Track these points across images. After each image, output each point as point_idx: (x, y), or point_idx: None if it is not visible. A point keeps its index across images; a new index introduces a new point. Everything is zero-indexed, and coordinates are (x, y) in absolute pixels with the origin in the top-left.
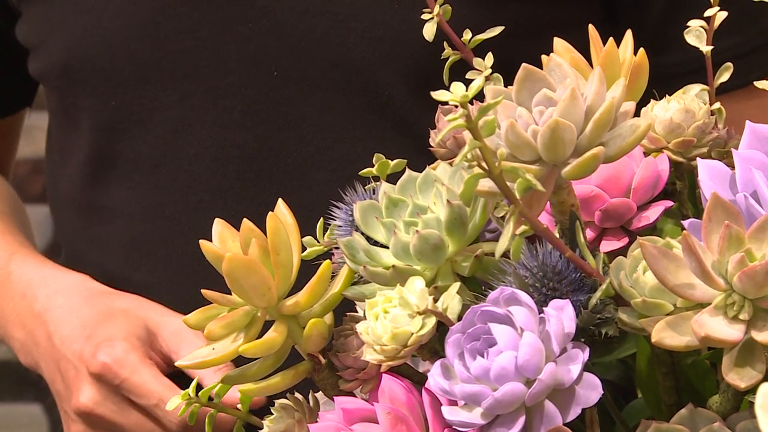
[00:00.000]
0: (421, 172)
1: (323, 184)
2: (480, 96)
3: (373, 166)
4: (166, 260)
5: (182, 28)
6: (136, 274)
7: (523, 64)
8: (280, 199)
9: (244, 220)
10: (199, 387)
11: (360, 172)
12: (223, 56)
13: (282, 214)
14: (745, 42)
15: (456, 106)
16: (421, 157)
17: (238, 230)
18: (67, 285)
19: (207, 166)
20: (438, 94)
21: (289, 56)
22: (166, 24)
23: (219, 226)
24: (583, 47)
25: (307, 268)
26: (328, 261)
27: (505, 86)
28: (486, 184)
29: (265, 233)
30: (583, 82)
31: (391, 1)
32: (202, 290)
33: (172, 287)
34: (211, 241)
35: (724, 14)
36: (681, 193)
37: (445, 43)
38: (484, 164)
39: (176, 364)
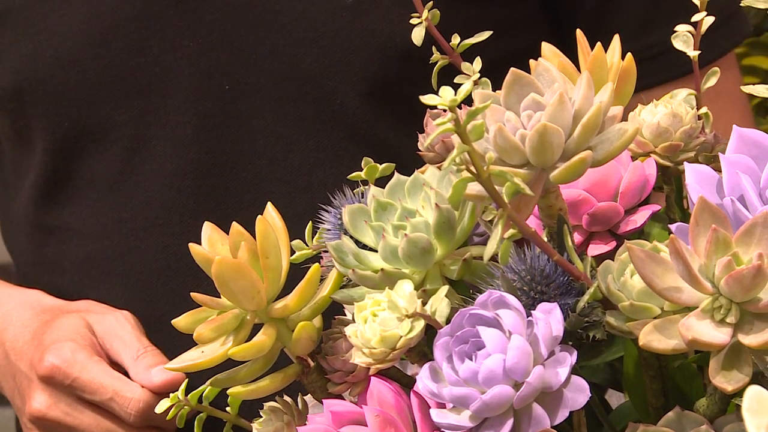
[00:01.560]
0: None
1: (279, 196)
2: (467, 100)
3: (327, 174)
4: (124, 277)
5: (132, 45)
6: (93, 293)
7: (512, 69)
8: (269, 203)
9: (233, 223)
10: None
11: (348, 176)
12: (175, 72)
13: (271, 217)
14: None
15: (444, 111)
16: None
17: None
18: (20, 302)
19: (163, 182)
20: (426, 98)
21: (239, 69)
22: (116, 42)
23: (208, 229)
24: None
25: (295, 272)
26: (317, 264)
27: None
28: (474, 187)
29: None
30: (571, 86)
31: (339, 10)
32: (192, 293)
33: (131, 303)
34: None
35: (711, 19)
36: (668, 197)
37: (433, 48)
38: (472, 168)
39: (165, 367)
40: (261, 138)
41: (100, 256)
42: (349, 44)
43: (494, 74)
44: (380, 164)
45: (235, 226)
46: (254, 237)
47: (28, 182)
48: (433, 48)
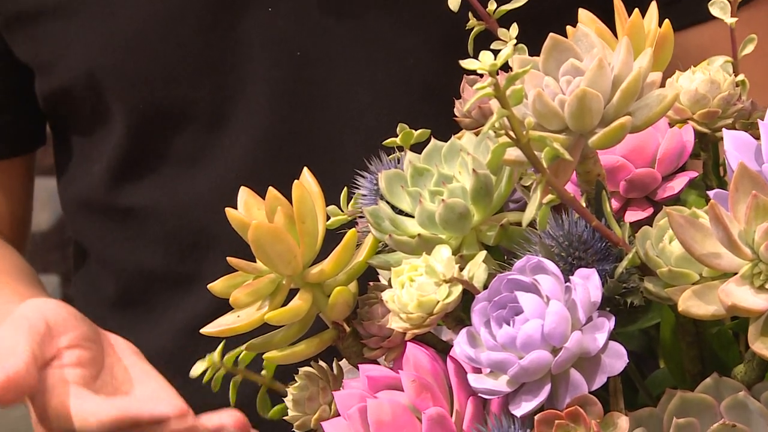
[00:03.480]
0: (448, 139)
1: (355, 159)
2: (504, 67)
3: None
4: (207, 251)
5: (200, 22)
6: (181, 267)
7: (551, 34)
8: (305, 168)
9: (270, 188)
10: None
11: (383, 142)
12: (245, 44)
13: (307, 182)
14: None
15: (481, 76)
16: (450, 126)
17: None
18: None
19: (239, 153)
20: (466, 63)
21: (308, 35)
22: (184, 21)
23: (244, 194)
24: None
25: (330, 238)
26: (353, 230)
27: None
28: (513, 153)
29: None
30: (609, 52)
31: None
32: (228, 257)
33: (215, 276)
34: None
35: None
36: (705, 164)
37: (470, 14)
38: (511, 133)
39: (202, 331)
40: (334, 103)
41: (181, 232)
42: (417, 2)
43: (529, 31)
44: (454, 123)
45: (271, 191)
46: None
47: (99, 167)
48: (470, 14)
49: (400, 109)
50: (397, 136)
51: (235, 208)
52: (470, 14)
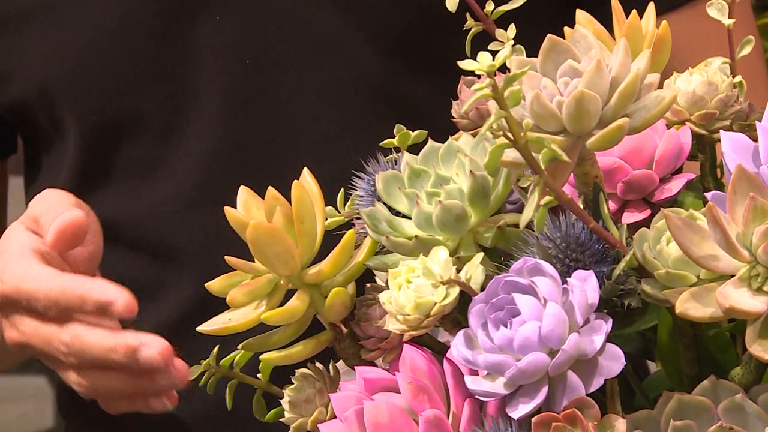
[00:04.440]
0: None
1: (311, 164)
2: (501, 68)
3: (355, 139)
4: (168, 260)
5: (151, 31)
6: (144, 276)
7: (548, 35)
8: (305, 168)
9: (269, 187)
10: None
11: (381, 143)
12: (196, 52)
13: (307, 183)
14: None
15: (479, 77)
16: (408, 125)
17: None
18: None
19: (194, 163)
20: (465, 64)
21: (257, 42)
22: (135, 28)
23: (244, 193)
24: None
25: (328, 239)
26: (351, 231)
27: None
28: (511, 154)
29: None
30: (607, 53)
31: None
32: (226, 257)
33: (179, 285)
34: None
35: None
36: (702, 165)
37: (468, 14)
38: (509, 134)
39: (198, 329)
40: (285, 109)
41: (142, 243)
42: (364, 4)
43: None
44: (406, 125)
45: (271, 191)
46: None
47: (61, 179)
48: (468, 15)
49: (352, 113)
50: (351, 139)
51: (194, 217)
52: (468, 15)
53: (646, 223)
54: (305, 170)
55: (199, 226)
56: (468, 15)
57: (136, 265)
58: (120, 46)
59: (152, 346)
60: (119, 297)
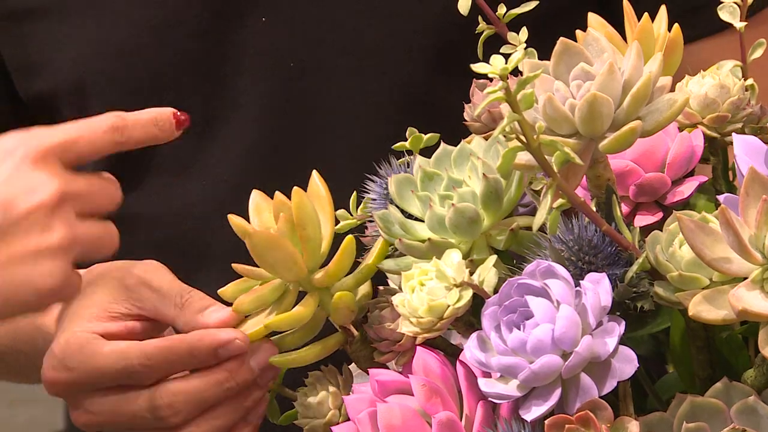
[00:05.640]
0: (452, 146)
1: (347, 170)
2: (513, 71)
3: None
4: (199, 260)
5: (195, 29)
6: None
7: (561, 38)
8: (314, 172)
9: (276, 192)
10: None
11: (393, 146)
12: (238, 53)
13: (316, 186)
14: None
15: (491, 80)
16: (443, 135)
17: None
18: None
19: (231, 163)
20: (478, 67)
21: (301, 46)
22: (179, 27)
23: (256, 197)
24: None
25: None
26: (351, 236)
27: None
28: (524, 157)
29: None
30: (620, 56)
31: None
32: (233, 264)
33: (207, 285)
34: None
35: None
36: (714, 168)
37: (480, 18)
38: (522, 137)
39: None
40: (326, 114)
41: (171, 241)
42: (409, 13)
43: (538, 33)
44: (444, 135)
45: (278, 196)
46: None
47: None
48: (479, 18)
49: (390, 121)
50: (386, 147)
51: (227, 217)
52: (480, 18)
53: (658, 225)
54: (314, 174)
55: (230, 226)
56: (480, 18)
57: (165, 263)
58: (162, 43)
59: (223, 332)
60: (234, 334)
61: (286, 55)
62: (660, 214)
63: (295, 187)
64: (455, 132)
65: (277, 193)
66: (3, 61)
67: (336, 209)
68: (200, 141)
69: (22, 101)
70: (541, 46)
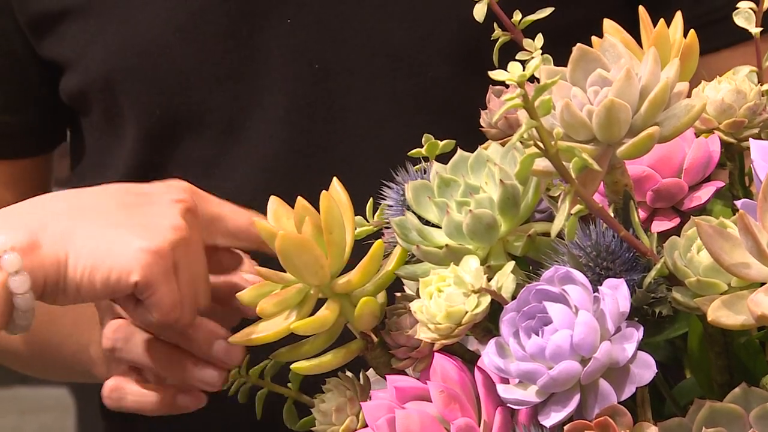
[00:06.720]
0: (469, 152)
1: (373, 173)
2: (530, 78)
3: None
4: None
5: (221, 29)
6: None
7: (578, 44)
8: (335, 178)
9: (298, 197)
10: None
11: (409, 153)
12: (265, 53)
13: (336, 192)
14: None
15: (507, 86)
16: (469, 139)
17: None
18: None
19: (256, 164)
20: (495, 74)
21: (329, 47)
22: (205, 27)
23: (274, 203)
24: None
25: (357, 248)
26: (380, 240)
27: None
28: (542, 163)
29: None
30: (637, 62)
31: None
32: (256, 267)
33: None
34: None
35: None
36: (731, 174)
37: (495, 24)
38: (540, 144)
39: (229, 340)
40: (352, 116)
41: None
42: (437, 16)
43: (555, 45)
44: (471, 138)
45: (300, 201)
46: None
47: (115, 173)
48: (495, 24)
49: (418, 123)
50: (413, 149)
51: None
52: (495, 25)
53: (675, 231)
54: (334, 180)
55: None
56: (495, 24)
57: None
58: (188, 42)
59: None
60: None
61: (311, 56)
62: (677, 220)
63: (323, 192)
64: (482, 135)
65: (300, 199)
66: (43, 61)
67: (362, 212)
68: (225, 141)
69: (62, 101)
70: (557, 58)
